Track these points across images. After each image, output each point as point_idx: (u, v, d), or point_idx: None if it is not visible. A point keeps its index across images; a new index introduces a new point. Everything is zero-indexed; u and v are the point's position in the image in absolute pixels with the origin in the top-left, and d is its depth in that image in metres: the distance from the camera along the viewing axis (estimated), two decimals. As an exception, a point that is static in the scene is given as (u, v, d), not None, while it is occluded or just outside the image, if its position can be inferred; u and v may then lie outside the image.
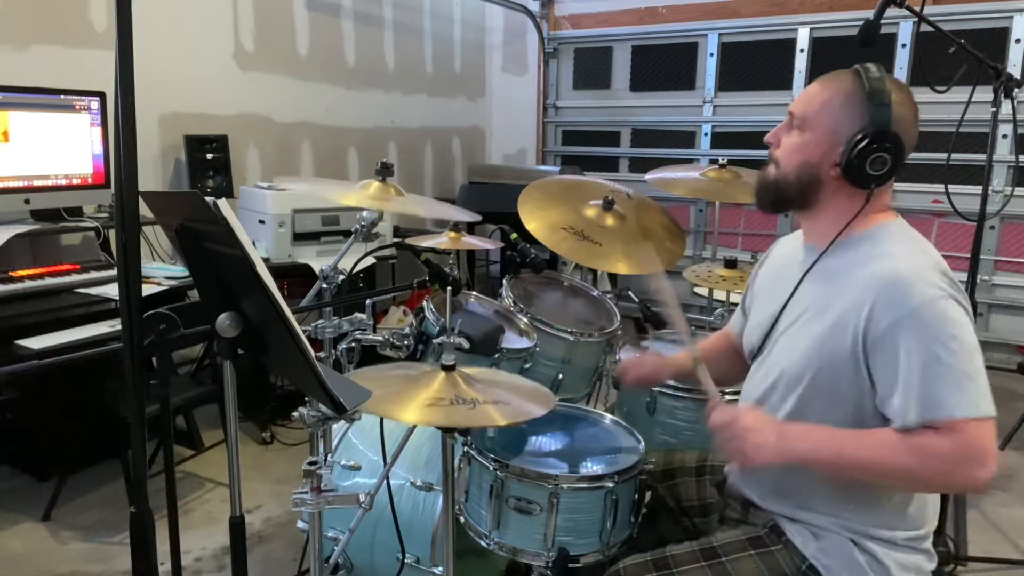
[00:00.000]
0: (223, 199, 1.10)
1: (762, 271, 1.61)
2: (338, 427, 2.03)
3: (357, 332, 1.84)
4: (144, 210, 1.26)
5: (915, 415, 1.20)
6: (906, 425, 1.21)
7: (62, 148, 2.84)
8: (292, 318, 1.10)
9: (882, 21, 1.93)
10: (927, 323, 1.20)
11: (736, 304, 2.70)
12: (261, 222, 3.33)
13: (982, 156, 2.32)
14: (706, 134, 5.08)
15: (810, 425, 1.31)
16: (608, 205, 2.34)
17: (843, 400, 1.30)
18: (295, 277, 3.31)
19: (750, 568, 1.35)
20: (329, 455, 1.80)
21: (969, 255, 2.31)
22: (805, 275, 1.39)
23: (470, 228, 4.57)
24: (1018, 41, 4.06)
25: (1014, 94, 2.19)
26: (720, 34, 4.92)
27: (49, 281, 2.58)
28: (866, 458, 1.25)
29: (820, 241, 1.38)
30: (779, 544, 1.37)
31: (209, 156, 3.46)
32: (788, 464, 1.29)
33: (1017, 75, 2.55)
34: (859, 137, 1.28)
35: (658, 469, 1.67)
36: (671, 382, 2.00)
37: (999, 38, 4.10)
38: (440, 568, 1.75)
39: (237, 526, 1.34)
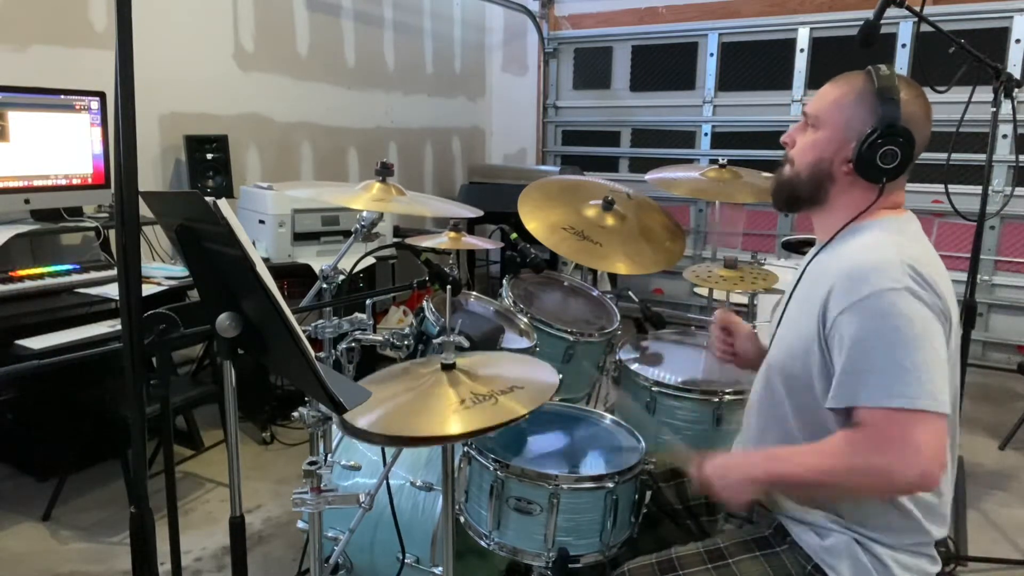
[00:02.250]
0: (223, 199, 1.10)
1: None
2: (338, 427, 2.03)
3: (357, 332, 1.84)
4: (144, 210, 1.26)
5: (841, 399, 1.22)
6: (831, 407, 1.24)
7: (62, 148, 2.84)
8: (292, 318, 1.10)
9: (882, 21, 1.94)
10: (871, 313, 1.21)
11: (736, 304, 2.72)
12: (261, 222, 3.33)
13: (982, 156, 2.32)
14: (706, 134, 5.08)
15: (765, 452, 1.36)
16: (608, 205, 2.34)
17: (817, 389, 1.30)
18: (295, 277, 3.31)
19: (756, 569, 1.35)
20: (329, 455, 1.80)
21: (969, 255, 2.31)
22: (804, 270, 1.43)
23: (470, 228, 4.57)
24: (1018, 41, 4.07)
25: (1014, 94, 2.19)
26: (720, 34, 4.92)
27: (49, 281, 2.58)
28: (798, 473, 1.28)
29: (823, 237, 1.41)
30: (784, 545, 1.37)
31: (209, 156, 3.46)
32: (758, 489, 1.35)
33: (1017, 75, 2.55)
34: (869, 131, 1.30)
35: (663, 468, 1.68)
36: (670, 381, 2.01)
37: (999, 38, 4.10)
38: (440, 568, 1.75)
39: (237, 526, 1.34)
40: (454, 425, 1.24)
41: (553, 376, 1.41)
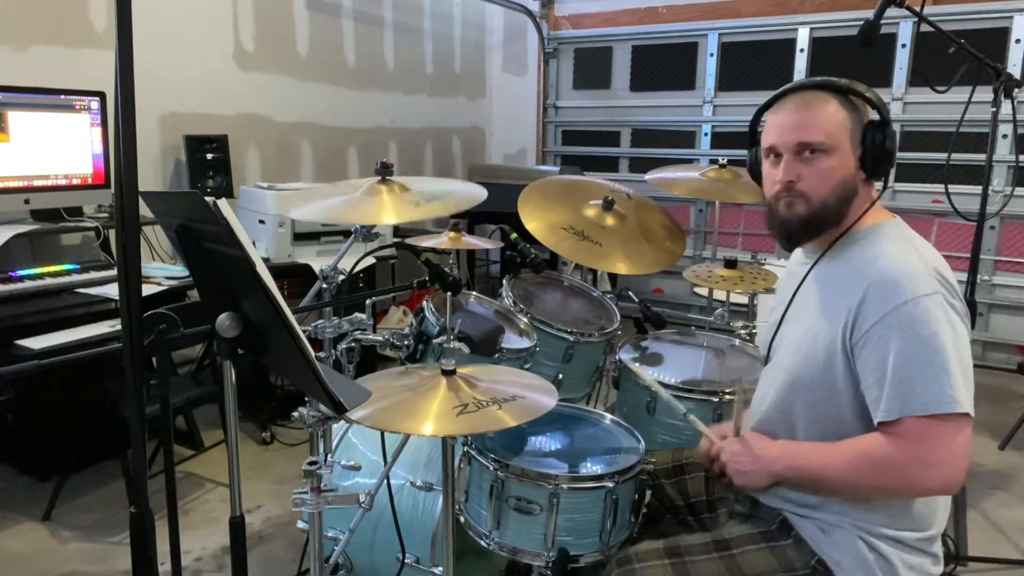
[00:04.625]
0: (223, 199, 1.10)
1: (781, 277, 1.64)
2: (338, 427, 2.03)
3: (357, 332, 1.84)
4: (144, 210, 1.26)
5: (895, 410, 1.23)
6: (883, 420, 1.25)
7: (62, 148, 2.83)
8: (292, 318, 1.10)
9: (882, 21, 1.94)
10: (909, 320, 1.22)
11: (737, 304, 2.72)
12: (261, 222, 3.33)
13: (982, 156, 2.32)
14: (706, 134, 5.08)
15: (787, 444, 1.39)
16: (608, 205, 2.34)
17: (840, 398, 1.32)
18: (295, 277, 3.31)
19: (761, 561, 1.36)
20: (329, 455, 1.80)
21: (969, 255, 2.31)
22: (806, 276, 1.44)
23: (470, 228, 4.57)
24: (1018, 41, 4.06)
25: (1014, 94, 2.19)
26: (720, 34, 4.92)
27: (49, 281, 2.58)
28: (820, 470, 1.31)
29: (823, 244, 1.42)
30: (789, 539, 1.38)
31: (209, 156, 3.46)
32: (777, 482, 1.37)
33: (1017, 75, 2.55)
34: (870, 131, 1.35)
35: (666, 465, 1.69)
36: (670, 381, 2.01)
37: (999, 38, 4.10)
38: (440, 568, 1.75)
39: (237, 526, 1.34)
40: (438, 426, 1.28)
41: (552, 399, 1.42)
